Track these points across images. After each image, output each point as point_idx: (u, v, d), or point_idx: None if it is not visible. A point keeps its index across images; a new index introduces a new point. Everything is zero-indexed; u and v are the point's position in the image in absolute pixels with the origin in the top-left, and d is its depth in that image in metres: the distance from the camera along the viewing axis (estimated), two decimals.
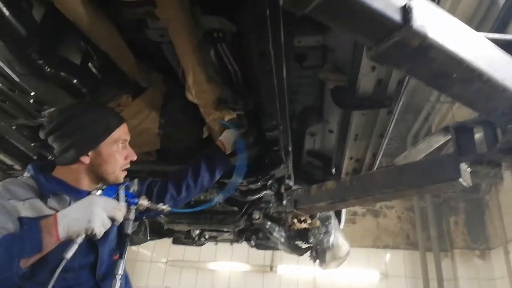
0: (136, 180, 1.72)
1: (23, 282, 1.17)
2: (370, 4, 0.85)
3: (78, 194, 1.39)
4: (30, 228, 1.17)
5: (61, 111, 1.42)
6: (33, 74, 1.42)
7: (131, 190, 1.57)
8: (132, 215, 1.40)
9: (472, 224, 7.43)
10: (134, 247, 7.72)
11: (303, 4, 0.84)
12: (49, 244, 1.14)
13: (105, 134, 1.42)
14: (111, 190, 1.36)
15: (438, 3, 1.13)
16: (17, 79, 1.48)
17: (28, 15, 1.32)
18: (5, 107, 1.69)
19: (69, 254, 1.18)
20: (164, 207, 1.54)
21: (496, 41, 1.07)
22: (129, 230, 1.42)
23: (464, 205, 7.61)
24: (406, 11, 0.90)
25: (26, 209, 1.24)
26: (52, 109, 1.47)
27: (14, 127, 1.99)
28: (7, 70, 1.42)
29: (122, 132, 1.48)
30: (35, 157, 2.18)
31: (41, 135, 1.44)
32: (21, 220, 1.21)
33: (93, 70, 1.67)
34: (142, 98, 1.87)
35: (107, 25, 1.47)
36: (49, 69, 1.41)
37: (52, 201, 1.31)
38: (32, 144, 2.06)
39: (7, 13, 1.23)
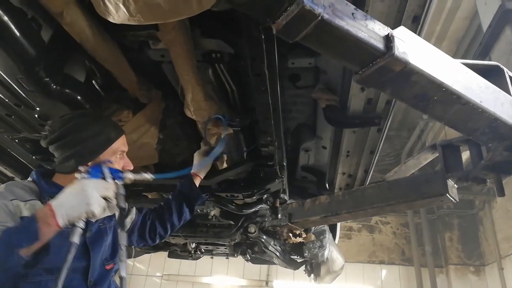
0: (134, 209, 1.86)
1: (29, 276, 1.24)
2: (356, 34, 0.94)
3: None
4: (26, 220, 1.22)
5: (64, 121, 1.47)
6: (39, 91, 1.48)
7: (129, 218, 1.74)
8: (122, 190, 1.40)
9: (466, 240, 7.47)
10: (129, 261, 7.69)
11: (294, 33, 0.92)
12: (47, 233, 1.19)
13: (105, 145, 1.48)
14: (96, 170, 1.37)
15: (419, 34, 1.22)
16: (23, 95, 1.55)
17: (37, 35, 1.39)
18: (11, 121, 1.75)
19: (76, 238, 1.25)
20: (148, 176, 1.57)
21: (472, 67, 1.15)
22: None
23: (458, 221, 7.66)
24: (389, 39, 0.98)
25: (27, 209, 1.30)
26: (55, 119, 1.50)
27: (16, 141, 2.05)
28: (15, 86, 1.49)
29: (120, 144, 1.54)
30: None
31: (43, 143, 1.50)
32: (22, 219, 1.27)
33: (96, 87, 1.74)
34: (142, 114, 1.93)
35: (111, 46, 1.55)
36: (55, 86, 1.48)
37: None
38: (33, 157, 2.11)
39: (18, 34, 1.30)
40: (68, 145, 1.45)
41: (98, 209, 1.26)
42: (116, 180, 1.42)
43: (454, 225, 7.64)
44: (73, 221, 1.23)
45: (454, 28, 4.94)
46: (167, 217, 1.96)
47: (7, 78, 1.46)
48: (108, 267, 1.54)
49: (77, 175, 1.33)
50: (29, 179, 1.47)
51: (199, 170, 2.01)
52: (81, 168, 1.35)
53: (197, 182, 2.03)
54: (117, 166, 1.53)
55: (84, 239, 1.45)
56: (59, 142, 1.46)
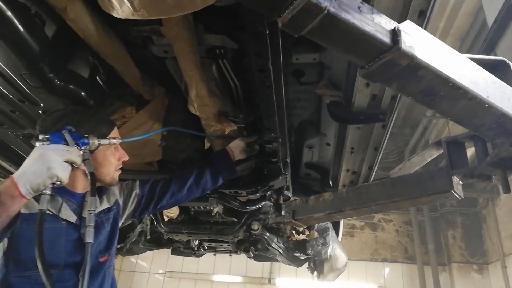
0: (137, 183, 1.80)
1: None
2: (362, 27, 0.93)
3: (72, 196, 1.47)
4: None
5: (55, 119, 1.42)
6: (43, 87, 1.48)
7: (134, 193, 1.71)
8: (87, 155, 1.36)
9: (469, 238, 7.44)
10: (132, 258, 7.72)
11: (299, 27, 0.91)
12: (11, 204, 1.15)
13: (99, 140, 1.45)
14: (57, 137, 1.30)
15: (424, 29, 1.21)
16: (28, 91, 1.55)
17: (41, 31, 1.38)
18: (15, 117, 1.76)
19: (44, 205, 1.19)
20: (114, 141, 1.51)
21: (479, 62, 1.14)
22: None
23: (461, 219, 7.63)
24: (395, 33, 0.98)
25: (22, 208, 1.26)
26: (45, 117, 1.47)
27: (20, 137, 2.05)
28: (19, 82, 1.49)
29: (114, 136, 1.55)
30: None
31: (35, 143, 1.41)
32: None
33: (100, 83, 1.74)
34: (145, 110, 1.93)
35: (115, 42, 1.55)
36: (59, 82, 1.48)
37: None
38: None
39: (22, 29, 1.30)
40: None
41: (63, 173, 1.21)
42: (80, 146, 1.34)
43: (457, 223, 7.62)
44: (38, 188, 1.18)
45: (458, 24, 4.91)
46: (186, 179, 1.86)
47: (11, 74, 1.46)
48: (101, 260, 1.53)
49: (37, 143, 1.27)
50: None
51: (236, 148, 1.97)
52: (41, 136, 1.27)
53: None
54: (113, 158, 1.54)
55: (79, 234, 1.44)
56: None
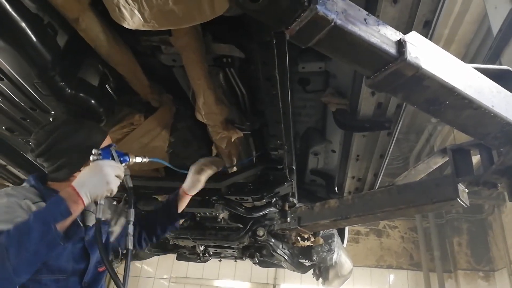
0: (123, 219, 1.82)
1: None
2: (368, 39, 0.95)
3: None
4: (53, 201, 1.28)
5: (49, 132, 1.50)
6: (54, 95, 1.51)
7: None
8: (127, 171, 1.54)
9: (475, 245, 7.39)
10: (137, 263, 7.73)
11: (307, 38, 0.94)
12: (76, 210, 1.29)
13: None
14: (106, 153, 1.46)
15: (430, 38, 1.22)
16: (39, 99, 1.58)
17: (53, 41, 1.41)
18: (26, 124, 1.79)
19: (100, 214, 1.39)
20: (145, 159, 1.65)
21: (484, 71, 1.15)
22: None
23: (467, 225, 7.58)
24: (401, 44, 1.00)
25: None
26: (37, 130, 1.54)
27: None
28: (31, 91, 1.52)
29: (107, 143, 1.59)
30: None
31: (31, 156, 1.55)
32: (49, 201, 1.33)
33: (109, 91, 1.77)
34: (153, 118, 1.96)
35: (125, 51, 1.57)
36: (69, 90, 1.51)
37: None
38: None
39: (34, 39, 1.33)
40: (58, 154, 1.49)
41: (115, 187, 1.39)
42: (123, 163, 1.51)
43: (463, 229, 7.57)
44: (95, 198, 1.35)
45: (462, 31, 4.92)
46: (153, 232, 1.96)
47: (23, 83, 1.50)
48: (100, 270, 1.59)
49: (91, 157, 1.42)
50: (26, 184, 1.49)
51: (189, 189, 1.94)
52: (94, 151, 1.42)
53: (186, 200, 1.98)
54: None
55: (83, 243, 1.52)
56: (49, 153, 1.49)
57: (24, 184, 1.51)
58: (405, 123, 7.33)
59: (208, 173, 1.94)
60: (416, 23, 1.24)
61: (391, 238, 8.15)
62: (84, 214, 1.55)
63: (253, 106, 1.91)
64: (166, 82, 1.93)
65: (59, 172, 1.50)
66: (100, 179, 1.35)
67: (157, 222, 1.95)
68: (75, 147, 1.49)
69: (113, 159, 1.46)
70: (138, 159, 1.60)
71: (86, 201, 1.30)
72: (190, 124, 2.08)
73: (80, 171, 1.47)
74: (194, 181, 1.92)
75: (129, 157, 1.54)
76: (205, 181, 1.95)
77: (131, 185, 1.56)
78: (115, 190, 1.39)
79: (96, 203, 1.40)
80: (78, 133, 1.52)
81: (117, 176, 1.41)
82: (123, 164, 1.49)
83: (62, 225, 1.24)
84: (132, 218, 1.54)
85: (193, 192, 1.96)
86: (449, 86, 1.04)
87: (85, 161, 1.48)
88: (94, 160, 1.41)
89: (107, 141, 1.60)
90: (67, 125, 1.54)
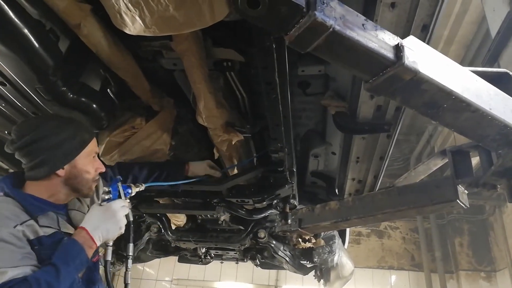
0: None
1: None
2: (366, 44, 0.96)
3: (58, 208, 1.47)
4: (74, 249, 1.31)
5: (32, 126, 1.41)
6: (56, 100, 1.52)
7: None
8: (129, 205, 1.60)
9: (477, 246, 7.38)
10: (139, 266, 7.73)
11: (306, 44, 0.95)
12: (90, 254, 1.35)
13: (80, 148, 1.48)
14: (114, 189, 1.51)
15: (428, 42, 1.24)
16: (41, 103, 1.59)
17: (55, 46, 1.43)
18: None
19: (109, 256, 1.49)
20: (142, 188, 1.71)
21: (482, 74, 1.17)
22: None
23: (468, 226, 7.57)
24: (399, 49, 1.01)
25: (30, 232, 1.30)
26: (21, 122, 1.49)
27: None
28: (33, 96, 1.53)
29: (93, 145, 1.56)
30: None
31: (8, 149, 1.43)
32: (66, 246, 1.32)
33: (111, 95, 1.78)
34: (154, 121, 1.97)
35: (126, 56, 1.59)
36: (71, 95, 1.52)
37: (42, 220, 1.37)
38: None
39: (37, 45, 1.34)
40: (40, 150, 1.39)
41: (124, 227, 1.48)
42: (126, 196, 1.56)
43: (464, 230, 7.56)
44: (107, 241, 1.44)
45: (462, 32, 4.92)
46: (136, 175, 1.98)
47: (25, 88, 1.51)
48: (94, 260, 1.59)
49: (103, 195, 1.50)
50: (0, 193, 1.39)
51: (194, 165, 2.10)
52: (106, 189, 1.50)
53: (182, 172, 2.09)
54: (91, 168, 1.53)
55: None
56: (30, 147, 1.39)
57: None
58: (406, 124, 7.33)
59: (211, 171, 2.11)
60: (414, 27, 1.25)
61: (392, 239, 8.15)
62: (69, 215, 1.53)
63: (253, 109, 1.93)
64: (167, 86, 1.95)
65: (39, 169, 1.40)
66: (113, 224, 1.42)
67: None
68: (59, 145, 1.41)
69: (119, 194, 1.51)
70: (136, 189, 1.66)
71: (99, 244, 1.38)
72: (191, 127, 2.10)
73: (63, 168, 1.42)
74: (202, 164, 2.10)
75: (131, 189, 1.59)
76: (204, 172, 2.10)
77: (132, 219, 1.61)
78: (123, 231, 1.47)
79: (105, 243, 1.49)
80: (64, 130, 1.43)
81: (125, 215, 1.49)
82: (127, 197, 1.55)
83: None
84: (130, 253, 1.66)
85: (193, 168, 2.09)
86: (447, 89, 1.05)
87: (68, 161, 1.43)
88: (104, 200, 1.47)
89: (94, 142, 1.55)
90: (53, 121, 1.47)
